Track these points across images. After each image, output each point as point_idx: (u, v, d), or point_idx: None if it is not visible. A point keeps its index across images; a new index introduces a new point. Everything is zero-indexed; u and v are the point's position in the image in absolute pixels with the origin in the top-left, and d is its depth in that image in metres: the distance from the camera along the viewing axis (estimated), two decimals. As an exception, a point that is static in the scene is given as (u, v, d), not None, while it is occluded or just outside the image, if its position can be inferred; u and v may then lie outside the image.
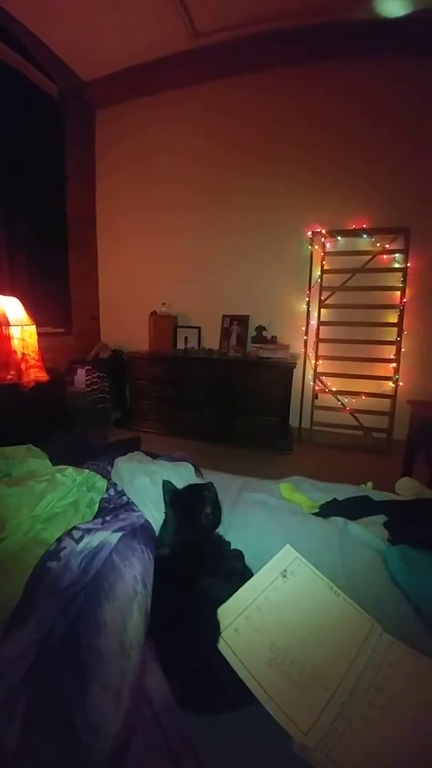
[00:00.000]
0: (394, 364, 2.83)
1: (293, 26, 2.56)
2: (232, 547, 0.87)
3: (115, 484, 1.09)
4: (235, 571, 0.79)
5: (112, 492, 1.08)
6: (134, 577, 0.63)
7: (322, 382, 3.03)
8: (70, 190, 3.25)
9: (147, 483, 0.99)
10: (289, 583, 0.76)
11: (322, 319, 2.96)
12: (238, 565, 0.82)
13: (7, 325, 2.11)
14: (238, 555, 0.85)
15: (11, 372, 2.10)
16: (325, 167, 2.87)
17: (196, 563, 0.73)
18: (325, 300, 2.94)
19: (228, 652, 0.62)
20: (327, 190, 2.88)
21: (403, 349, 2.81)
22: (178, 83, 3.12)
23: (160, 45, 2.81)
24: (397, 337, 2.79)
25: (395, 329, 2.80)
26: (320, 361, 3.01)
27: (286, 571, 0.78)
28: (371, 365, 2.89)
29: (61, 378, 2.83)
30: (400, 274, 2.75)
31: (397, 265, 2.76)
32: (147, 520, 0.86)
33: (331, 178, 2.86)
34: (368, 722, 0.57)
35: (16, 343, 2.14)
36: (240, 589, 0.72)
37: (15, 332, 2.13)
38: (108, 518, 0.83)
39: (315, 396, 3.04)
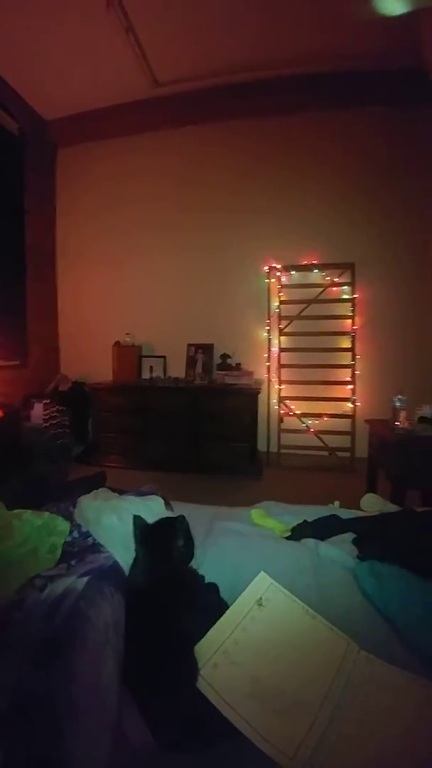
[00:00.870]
0: (351, 386, 3.02)
1: (246, 80, 2.88)
2: (207, 580, 0.84)
3: (80, 526, 1.02)
4: (210, 606, 0.76)
5: (76, 534, 1.00)
6: (105, 622, 0.59)
7: (286, 405, 3.14)
8: (30, 223, 3.24)
9: (114, 521, 0.95)
10: (265, 611, 0.75)
11: (282, 346, 3.13)
12: (213, 598, 0.80)
13: None
14: (213, 588, 0.83)
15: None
16: (278, 208, 3.16)
17: (170, 600, 0.70)
18: (284, 328, 3.12)
19: (208, 689, 0.60)
20: (281, 229, 3.16)
21: (357, 372, 3.02)
22: (138, 128, 3.33)
23: (121, 92, 3.03)
24: (352, 360, 3.01)
25: (349, 354, 3.02)
26: (283, 386, 3.14)
27: (261, 599, 0.77)
28: (331, 388, 3.06)
29: (15, 413, 2.67)
30: (349, 304, 3.01)
31: (346, 297, 3.03)
32: (116, 561, 0.82)
33: (285, 218, 3.15)
34: (352, 742, 0.57)
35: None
36: (217, 623, 0.70)
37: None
38: (73, 562, 0.77)
39: (280, 420, 3.13)
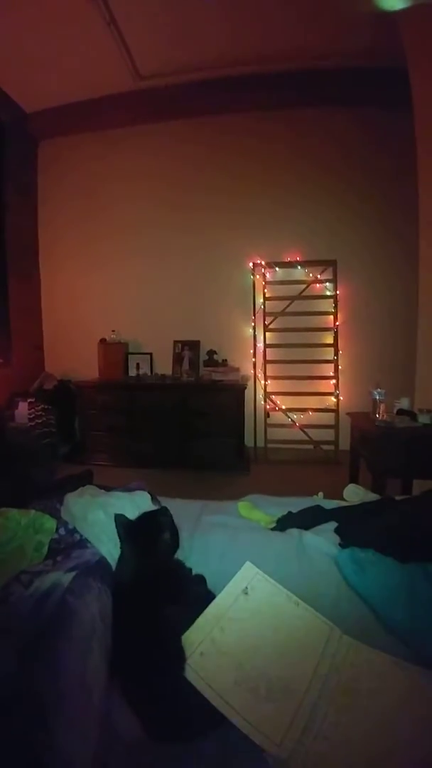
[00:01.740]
0: (333, 381, 3.08)
1: (230, 76, 2.86)
2: (195, 572, 0.86)
3: (66, 523, 1.02)
4: (198, 597, 0.78)
5: (62, 531, 1.00)
6: (91, 615, 0.60)
7: (272, 401, 3.18)
8: (10, 217, 3.16)
9: (101, 517, 0.95)
10: (251, 599, 0.78)
11: (267, 342, 3.16)
12: (200, 590, 0.82)
13: None
14: (200, 580, 0.84)
15: None
16: (262, 205, 3.17)
17: (157, 592, 0.71)
18: (269, 324, 3.15)
19: (195, 678, 0.61)
20: (265, 226, 3.18)
21: (340, 367, 3.08)
22: (121, 121, 3.27)
23: (104, 84, 2.96)
24: (334, 356, 3.07)
25: (332, 349, 3.08)
26: (269, 381, 3.17)
27: (247, 588, 0.79)
28: (315, 382, 3.12)
29: None
30: (332, 300, 3.06)
31: (328, 293, 3.08)
32: (102, 557, 0.82)
33: (269, 216, 3.16)
34: (338, 726, 0.58)
35: None
36: (203, 613, 0.71)
37: None
38: (59, 558, 0.77)
39: (267, 415, 3.17)
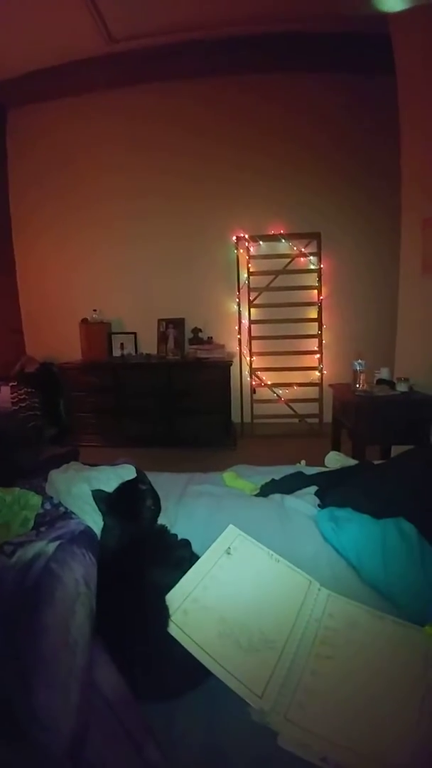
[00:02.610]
0: (318, 355, 3.12)
1: (210, 37, 2.67)
2: (180, 538, 0.88)
3: (51, 498, 1.03)
4: (182, 559, 0.80)
5: (48, 506, 1.01)
6: (75, 579, 0.61)
7: (258, 377, 3.20)
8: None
9: (86, 489, 0.95)
10: (234, 558, 0.81)
11: (252, 318, 3.14)
12: (185, 553, 0.84)
13: None
14: (185, 544, 0.87)
15: None
16: (244, 176, 3.06)
17: (142, 556, 0.73)
18: (253, 300, 3.12)
19: (178, 633, 0.63)
20: (247, 197, 3.08)
21: (324, 341, 3.11)
22: (94, 87, 3.06)
23: (75, 48, 2.73)
24: (318, 330, 3.08)
25: (316, 324, 3.09)
26: (254, 358, 3.18)
27: (230, 548, 0.82)
28: (299, 357, 3.14)
29: (-20, 398, 2.55)
30: (316, 274, 3.04)
31: (312, 267, 3.06)
32: (88, 526, 0.83)
33: (251, 187, 3.06)
34: (317, 675, 0.61)
35: None
36: (187, 573, 0.74)
37: None
38: (42, 529, 0.78)
39: (253, 391, 3.20)
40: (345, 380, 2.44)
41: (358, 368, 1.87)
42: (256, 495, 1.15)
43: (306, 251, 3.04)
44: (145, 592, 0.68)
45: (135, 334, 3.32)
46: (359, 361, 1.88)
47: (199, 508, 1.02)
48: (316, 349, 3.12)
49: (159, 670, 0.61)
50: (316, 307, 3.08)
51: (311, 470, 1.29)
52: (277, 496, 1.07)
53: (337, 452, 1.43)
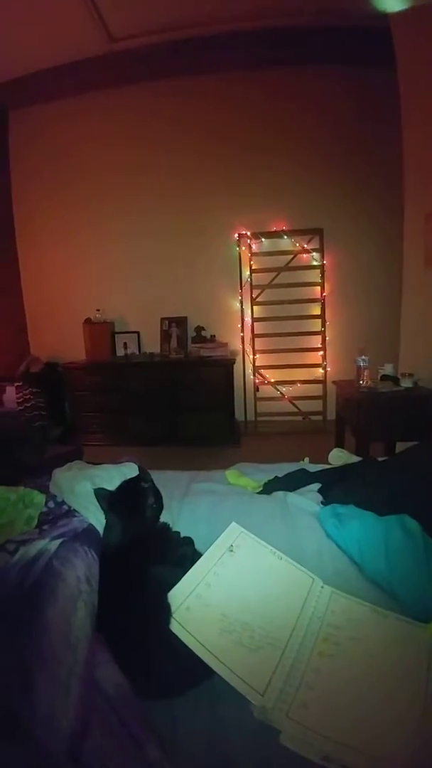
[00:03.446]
0: (321, 352, 3.10)
1: (211, 34, 2.66)
2: (183, 535, 0.89)
3: (54, 496, 1.04)
4: (185, 557, 0.80)
5: (51, 504, 1.02)
6: (77, 577, 0.61)
7: (261, 374, 3.19)
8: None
9: (88, 487, 0.96)
10: (236, 556, 0.80)
11: (255, 316, 3.13)
12: (188, 550, 0.84)
13: None
14: (188, 541, 0.87)
15: None
16: (245, 173, 3.04)
17: (144, 553, 0.73)
18: (256, 297, 3.11)
19: (180, 631, 0.63)
20: (249, 194, 3.06)
21: (327, 338, 3.09)
22: (96, 86, 3.06)
23: (75, 49, 2.74)
24: (322, 327, 3.06)
25: (319, 320, 3.07)
26: (258, 355, 3.17)
27: (232, 546, 0.82)
28: (303, 354, 3.13)
29: (-14, 398, 2.58)
30: (318, 270, 3.02)
31: (315, 263, 3.04)
32: (90, 524, 0.84)
33: (252, 183, 3.04)
34: (320, 673, 0.60)
35: None
36: (190, 570, 0.74)
37: None
38: (45, 527, 0.79)
39: (256, 389, 3.19)
40: (349, 377, 2.43)
41: (361, 364, 1.85)
42: (258, 492, 1.15)
43: (308, 247, 3.02)
44: (148, 590, 0.68)
45: (138, 333, 3.33)
46: (363, 357, 1.86)
47: (201, 506, 1.02)
48: (319, 346, 3.10)
49: (161, 668, 0.61)
50: (319, 303, 3.06)
51: (315, 467, 1.28)
52: (279, 494, 1.06)
53: (340, 449, 1.42)
